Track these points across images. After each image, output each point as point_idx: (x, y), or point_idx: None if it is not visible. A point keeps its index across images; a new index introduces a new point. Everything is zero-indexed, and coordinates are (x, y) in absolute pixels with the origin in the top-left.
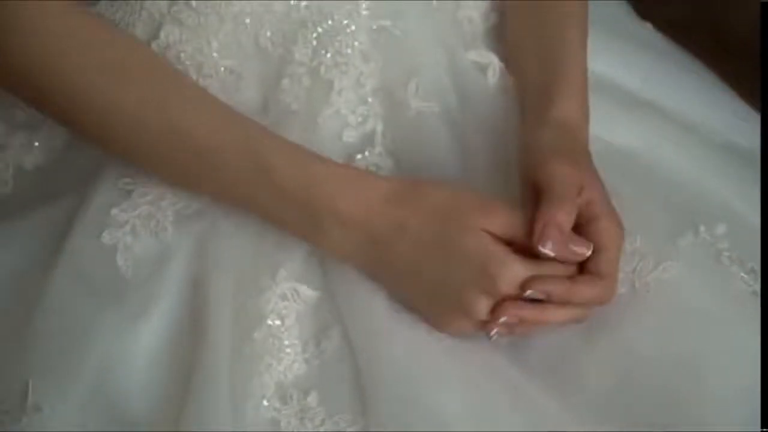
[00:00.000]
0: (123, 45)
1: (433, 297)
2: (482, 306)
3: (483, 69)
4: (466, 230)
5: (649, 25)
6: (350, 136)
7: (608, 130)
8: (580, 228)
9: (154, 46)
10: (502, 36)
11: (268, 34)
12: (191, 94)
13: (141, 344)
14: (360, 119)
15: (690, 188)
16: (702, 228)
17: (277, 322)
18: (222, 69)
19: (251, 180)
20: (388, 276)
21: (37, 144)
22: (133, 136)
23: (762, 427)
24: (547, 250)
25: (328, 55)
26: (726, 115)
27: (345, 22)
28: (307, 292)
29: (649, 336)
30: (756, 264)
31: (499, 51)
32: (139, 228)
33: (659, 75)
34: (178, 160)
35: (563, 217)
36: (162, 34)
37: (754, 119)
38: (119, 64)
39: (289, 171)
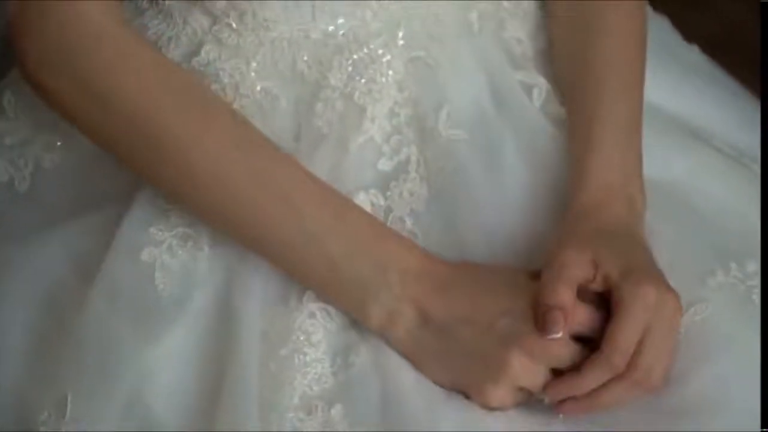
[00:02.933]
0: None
1: (463, 364)
2: (515, 358)
3: (529, 90)
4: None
5: (695, 48)
6: (385, 164)
7: (654, 160)
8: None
9: (194, 62)
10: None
11: (305, 58)
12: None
13: (173, 360)
14: (394, 147)
15: (730, 221)
16: (733, 265)
17: (302, 338)
18: (258, 89)
19: (331, 230)
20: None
21: (59, 144)
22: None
23: (762, 427)
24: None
25: (362, 80)
26: None
27: (380, 51)
28: (339, 312)
29: (679, 371)
30: None
31: (551, 74)
32: (176, 247)
33: (708, 101)
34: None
35: (558, 299)
36: (203, 52)
37: None
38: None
39: (365, 222)
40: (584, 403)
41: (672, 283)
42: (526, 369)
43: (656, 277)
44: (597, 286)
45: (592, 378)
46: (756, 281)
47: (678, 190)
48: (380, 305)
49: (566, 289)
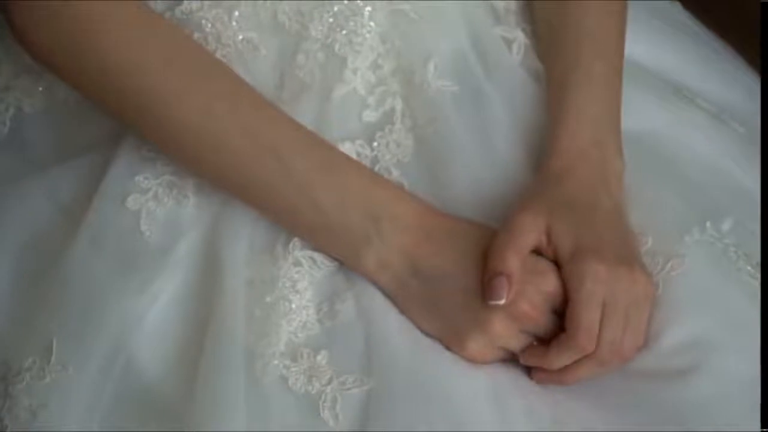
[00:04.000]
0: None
1: (449, 316)
2: (498, 320)
3: (509, 44)
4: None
5: (678, 5)
6: (369, 115)
7: (636, 115)
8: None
9: (177, 12)
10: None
11: (286, 9)
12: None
13: (158, 306)
14: (379, 98)
15: (708, 178)
16: (708, 224)
17: (288, 285)
18: (240, 39)
19: (319, 180)
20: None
21: (41, 89)
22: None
23: (762, 427)
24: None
25: (343, 32)
26: (752, 102)
27: (360, 3)
28: (325, 260)
29: (655, 328)
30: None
31: (530, 28)
32: (161, 195)
33: (690, 58)
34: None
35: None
36: (185, 1)
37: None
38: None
39: (354, 171)
40: (556, 377)
41: (652, 241)
42: (507, 331)
43: (609, 250)
44: (548, 255)
45: (561, 358)
46: (732, 239)
47: (658, 143)
48: (373, 253)
49: (514, 256)
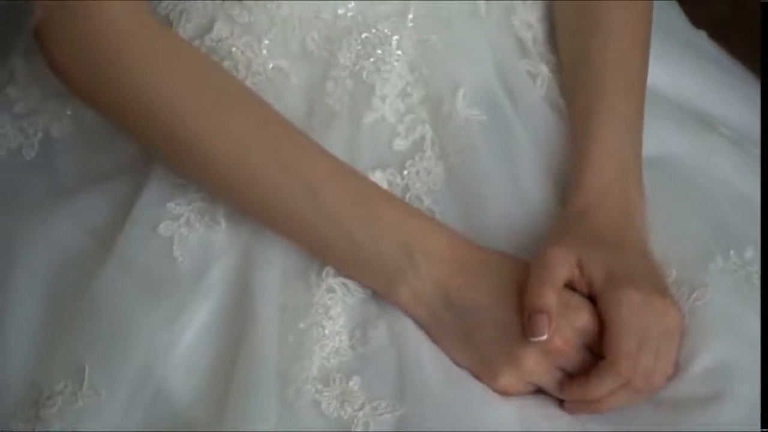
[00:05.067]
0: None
1: (482, 349)
2: (531, 356)
3: (534, 78)
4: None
5: (703, 33)
6: (400, 144)
7: (657, 142)
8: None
9: (207, 39)
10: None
11: (315, 37)
12: (303, 140)
13: (187, 335)
14: (408, 126)
15: (729, 205)
16: (731, 252)
17: (321, 311)
18: (271, 67)
19: (351, 211)
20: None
21: (69, 113)
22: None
23: (762, 427)
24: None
25: (371, 59)
26: None
27: (387, 31)
28: (358, 287)
29: (682, 356)
30: None
31: (555, 60)
32: (193, 221)
33: (714, 86)
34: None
35: (543, 302)
36: (215, 28)
37: None
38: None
39: (386, 202)
40: (588, 405)
41: (676, 272)
42: (539, 367)
43: (642, 280)
44: (582, 289)
45: (602, 387)
46: (755, 267)
47: (679, 170)
48: (406, 285)
49: (551, 291)
